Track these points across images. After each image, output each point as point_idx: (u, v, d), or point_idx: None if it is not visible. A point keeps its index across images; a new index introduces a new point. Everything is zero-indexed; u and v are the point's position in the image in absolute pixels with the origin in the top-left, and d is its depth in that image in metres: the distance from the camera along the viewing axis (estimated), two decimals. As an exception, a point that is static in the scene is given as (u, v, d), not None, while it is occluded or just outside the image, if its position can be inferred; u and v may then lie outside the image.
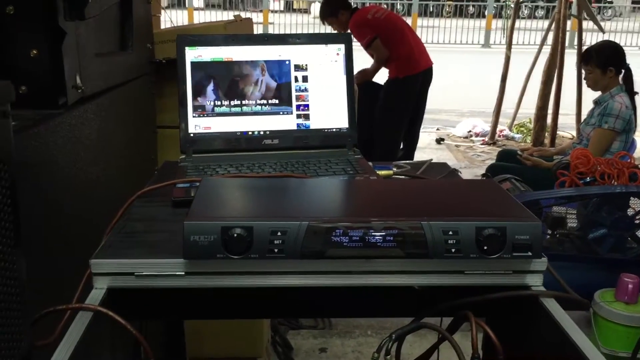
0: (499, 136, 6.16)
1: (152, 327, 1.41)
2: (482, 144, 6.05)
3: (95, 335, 0.83)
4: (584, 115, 3.87)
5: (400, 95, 4.33)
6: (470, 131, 6.32)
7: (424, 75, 4.38)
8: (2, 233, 0.66)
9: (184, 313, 1.14)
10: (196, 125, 1.35)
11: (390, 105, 4.33)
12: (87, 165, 1.28)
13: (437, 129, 6.56)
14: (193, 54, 1.35)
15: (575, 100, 5.39)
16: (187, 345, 1.66)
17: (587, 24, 6.05)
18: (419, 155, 5.17)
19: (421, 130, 6.09)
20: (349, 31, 4.26)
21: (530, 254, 0.86)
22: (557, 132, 5.52)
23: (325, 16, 4.42)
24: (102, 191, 1.35)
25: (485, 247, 0.85)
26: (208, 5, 15.30)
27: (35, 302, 0.86)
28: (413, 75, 4.30)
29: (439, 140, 6.12)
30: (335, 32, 4.36)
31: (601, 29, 6.01)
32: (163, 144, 1.94)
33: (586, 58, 3.35)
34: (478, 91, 8.13)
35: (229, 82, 1.36)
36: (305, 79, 1.39)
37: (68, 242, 1.16)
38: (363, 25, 4.24)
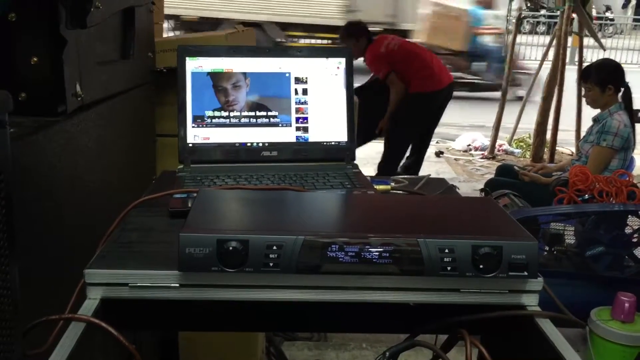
0: (499, 151, 6.17)
1: (146, 336, 1.41)
2: (481, 158, 6.06)
3: (87, 345, 0.82)
4: (583, 132, 3.88)
5: (419, 109, 4.45)
6: (469, 145, 6.33)
7: (447, 91, 4.48)
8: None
9: (177, 325, 1.13)
10: (195, 135, 1.35)
11: (407, 117, 4.42)
12: (85, 174, 1.28)
13: (437, 142, 6.56)
14: (193, 65, 1.35)
15: (575, 117, 5.40)
16: (181, 355, 1.65)
17: (588, 41, 6.07)
18: (418, 168, 5.18)
19: (421, 142, 6.11)
20: (361, 59, 4.43)
21: (526, 273, 0.85)
22: (556, 148, 5.53)
23: (346, 36, 4.54)
24: (99, 200, 1.35)
25: (481, 266, 0.85)
26: (211, 14, 15.33)
27: (28, 311, 0.86)
28: (437, 91, 4.41)
29: (438, 153, 6.13)
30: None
31: (602, 46, 6.03)
32: (162, 152, 1.94)
33: (585, 75, 3.36)
34: (478, 105, 8.14)
35: (228, 93, 1.36)
36: (305, 91, 1.39)
37: (63, 251, 1.15)
38: (378, 60, 4.39)
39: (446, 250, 0.85)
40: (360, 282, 0.88)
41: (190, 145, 1.35)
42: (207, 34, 3.40)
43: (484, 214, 0.99)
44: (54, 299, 0.93)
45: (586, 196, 2.60)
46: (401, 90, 4.37)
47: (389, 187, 1.31)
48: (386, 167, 4.54)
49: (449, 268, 0.85)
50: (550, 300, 0.94)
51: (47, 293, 1.03)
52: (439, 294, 0.90)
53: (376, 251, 0.85)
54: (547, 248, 2.61)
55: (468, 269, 0.85)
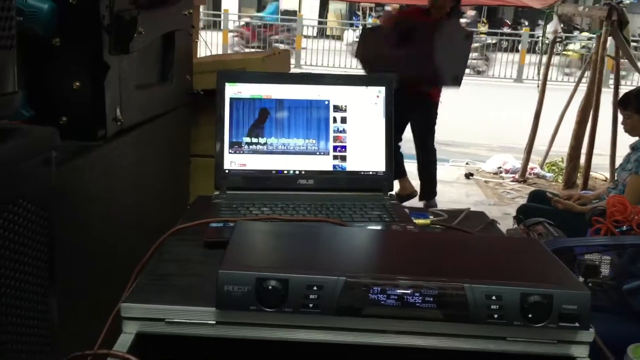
0: (530, 174, 6.06)
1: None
2: (512, 181, 5.96)
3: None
4: (617, 157, 3.79)
5: None
6: (500, 167, 6.23)
7: None
8: (36, 281, 0.65)
9: None
10: (232, 161, 1.34)
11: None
12: (122, 199, 1.28)
13: (467, 163, 6.48)
14: (233, 90, 1.34)
15: (610, 142, 5.29)
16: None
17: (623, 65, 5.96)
18: (447, 190, 5.11)
19: (450, 163, 6.06)
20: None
21: (577, 325, 0.82)
22: (590, 173, 5.41)
23: None
24: (134, 224, 1.34)
25: (530, 315, 0.81)
26: (243, 28, 15.50)
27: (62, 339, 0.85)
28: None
29: (468, 175, 6.04)
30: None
31: (638, 71, 5.91)
32: (196, 173, 1.94)
33: (624, 102, 3.29)
34: (509, 126, 8.05)
35: (266, 119, 1.35)
36: (343, 120, 1.37)
37: (97, 278, 1.15)
38: None
39: (493, 297, 0.82)
40: (401, 326, 0.85)
41: (227, 171, 1.34)
42: (244, 55, 3.41)
43: (532, 257, 0.95)
44: (87, 327, 0.92)
45: (624, 227, 2.53)
46: None
47: (428, 221, 1.27)
48: (433, 183, 4.47)
49: (495, 316, 0.82)
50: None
51: (81, 320, 1.02)
52: (483, 341, 0.86)
53: (420, 295, 0.82)
54: (582, 279, 2.54)
55: (516, 317, 0.82)
